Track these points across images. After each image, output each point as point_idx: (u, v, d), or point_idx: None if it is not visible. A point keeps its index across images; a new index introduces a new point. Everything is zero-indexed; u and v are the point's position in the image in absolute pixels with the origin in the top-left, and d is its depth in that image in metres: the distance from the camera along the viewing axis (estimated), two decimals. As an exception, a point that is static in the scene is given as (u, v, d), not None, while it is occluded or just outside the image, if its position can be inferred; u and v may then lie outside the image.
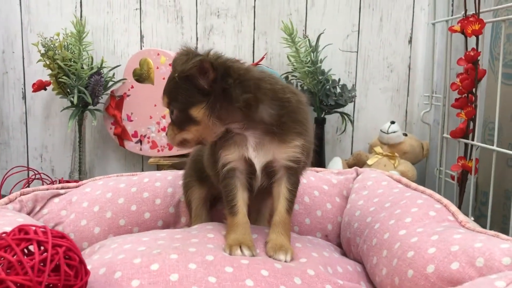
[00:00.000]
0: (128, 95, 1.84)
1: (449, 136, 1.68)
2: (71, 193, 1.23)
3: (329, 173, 1.37)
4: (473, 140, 1.58)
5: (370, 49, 2.03)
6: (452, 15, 1.83)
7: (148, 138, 1.85)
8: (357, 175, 1.35)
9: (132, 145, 1.86)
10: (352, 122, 1.97)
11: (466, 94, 1.59)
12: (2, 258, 0.68)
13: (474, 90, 1.56)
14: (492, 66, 1.69)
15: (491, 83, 1.67)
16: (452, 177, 1.70)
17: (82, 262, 0.75)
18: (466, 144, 1.62)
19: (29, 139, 1.95)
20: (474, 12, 1.52)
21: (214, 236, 0.98)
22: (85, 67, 1.72)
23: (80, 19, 1.84)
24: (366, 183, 1.27)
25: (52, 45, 1.64)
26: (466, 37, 1.57)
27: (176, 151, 1.84)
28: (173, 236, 0.97)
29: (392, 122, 1.85)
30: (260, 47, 1.98)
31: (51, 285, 0.70)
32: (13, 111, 1.94)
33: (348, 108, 1.97)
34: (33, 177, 1.75)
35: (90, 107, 1.77)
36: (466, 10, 1.57)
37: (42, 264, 0.70)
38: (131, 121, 1.85)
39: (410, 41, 2.04)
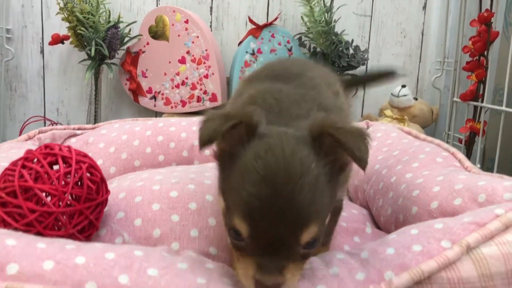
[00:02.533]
0: (143, 52, 1.87)
1: (459, 99, 1.69)
2: (88, 134, 1.28)
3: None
4: (482, 102, 1.60)
5: (384, 14, 2.04)
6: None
7: (162, 94, 1.89)
8: (368, 128, 1.38)
9: (147, 101, 1.90)
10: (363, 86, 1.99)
11: (477, 57, 1.60)
12: (30, 169, 0.72)
13: (486, 52, 1.58)
14: (506, 32, 1.70)
15: (503, 49, 1.68)
16: (460, 141, 1.72)
17: (103, 180, 0.80)
18: (475, 107, 1.64)
19: (46, 93, 2.00)
20: (489, -27, 1.52)
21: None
22: (102, 21, 1.75)
23: (98, -26, 1.85)
24: (376, 134, 1.30)
25: (70, -3, 1.67)
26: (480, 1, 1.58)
27: (189, 108, 1.88)
28: (189, 169, 1.01)
29: (403, 86, 1.87)
30: (274, 8, 2.00)
31: (74, 196, 0.75)
32: (31, 64, 1.98)
33: (359, 72, 1.99)
34: (50, 126, 1.80)
35: (107, 60, 1.80)
36: (481, -28, 1.58)
37: (66, 177, 0.74)
38: (146, 77, 1.88)
39: (424, 7, 2.04)
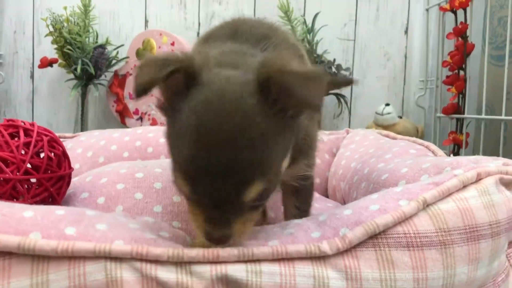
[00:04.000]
0: (130, 74, 1.91)
1: (442, 115, 1.71)
2: (67, 142, 1.28)
3: (321, 132, 1.41)
4: (463, 113, 1.62)
5: (367, 38, 2.09)
6: None
7: (149, 115, 1.91)
8: (347, 134, 1.39)
9: (133, 122, 1.92)
10: (347, 104, 2.00)
11: (456, 70, 1.63)
12: (-10, 138, 0.73)
13: (464, 65, 1.61)
14: (484, 50, 1.74)
15: (483, 66, 1.72)
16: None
17: (66, 156, 0.80)
18: (457, 120, 1.66)
19: (35, 117, 2.02)
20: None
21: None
22: (89, 41, 1.80)
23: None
24: (355, 138, 1.31)
25: (59, 19, 1.72)
26: (456, 15, 1.63)
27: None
28: (158, 162, 1.01)
29: (387, 104, 1.89)
30: (260, 33, 2.05)
31: (34, 167, 0.74)
32: (21, 89, 2.02)
33: (344, 92, 2.01)
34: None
35: (94, 80, 1.83)
36: (456, -10, 1.63)
37: (27, 149, 0.74)
38: (133, 98, 1.91)
39: (406, 31, 2.09)
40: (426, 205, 0.63)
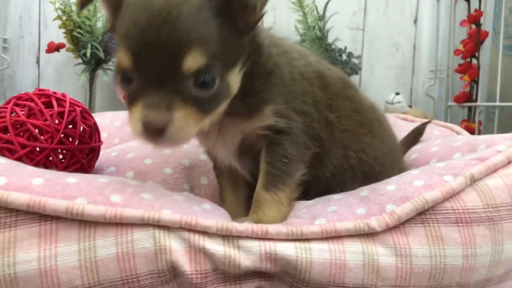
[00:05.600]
0: (139, 60, 1.89)
1: (453, 103, 1.71)
2: (83, 123, 1.26)
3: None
4: (476, 101, 1.62)
5: (376, 28, 2.08)
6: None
7: (157, 102, 1.88)
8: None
9: (141, 109, 1.90)
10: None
11: (469, 58, 1.63)
12: (23, 107, 0.71)
13: (477, 53, 1.61)
14: (495, 40, 1.74)
15: (494, 57, 1.72)
16: (456, 144, 1.72)
17: (96, 128, 0.78)
18: (469, 108, 1.66)
19: (40, 103, 1.99)
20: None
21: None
22: (99, 25, 1.77)
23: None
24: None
25: (68, 2, 1.70)
26: (469, 3, 1.63)
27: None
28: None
29: (397, 93, 1.89)
30: (269, 22, 2.03)
31: (67, 138, 0.73)
32: (27, 75, 1.98)
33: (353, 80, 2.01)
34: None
35: (103, 65, 1.81)
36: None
37: (60, 118, 0.72)
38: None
39: (415, 21, 2.09)
40: (473, 181, 0.62)
